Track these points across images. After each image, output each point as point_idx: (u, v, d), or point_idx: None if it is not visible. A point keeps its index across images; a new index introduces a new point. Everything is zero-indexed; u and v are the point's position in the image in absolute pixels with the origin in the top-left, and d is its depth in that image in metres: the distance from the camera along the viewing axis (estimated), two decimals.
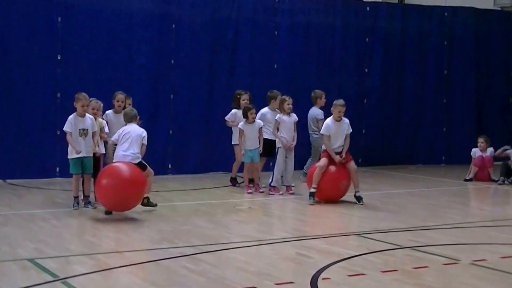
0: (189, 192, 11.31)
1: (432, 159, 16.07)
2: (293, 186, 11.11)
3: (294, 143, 10.95)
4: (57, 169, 12.27)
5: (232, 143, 11.61)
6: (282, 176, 11.02)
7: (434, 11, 16.41)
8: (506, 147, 13.21)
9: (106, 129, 9.80)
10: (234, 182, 11.77)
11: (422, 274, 5.99)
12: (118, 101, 10.22)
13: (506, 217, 9.67)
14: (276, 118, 10.96)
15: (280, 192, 10.86)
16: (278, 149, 10.96)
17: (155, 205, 9.21)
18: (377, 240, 7.53)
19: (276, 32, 14.42)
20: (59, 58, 12.34)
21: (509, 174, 12.82)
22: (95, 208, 9.11)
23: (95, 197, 9.00)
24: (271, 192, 10.86)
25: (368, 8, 15.52)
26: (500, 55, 16.86)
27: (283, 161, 10.89)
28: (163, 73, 13.24)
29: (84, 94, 9.20)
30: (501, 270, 6.21)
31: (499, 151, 13.12)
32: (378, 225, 8.45)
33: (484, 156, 13.07)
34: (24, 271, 5.95)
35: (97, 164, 9.53)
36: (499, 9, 17.75)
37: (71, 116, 9.13)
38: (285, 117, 10.93)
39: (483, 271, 6.19)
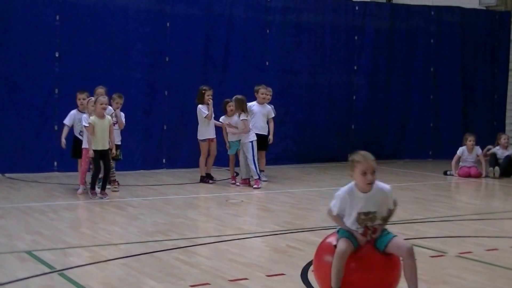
0: (183, 186, 11.41)
1: (420, 154, 16.20)
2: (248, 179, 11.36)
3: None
4: (55, 163, 12.39)
5: (200, 138, 11.67)
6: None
7: (421, 10, 16.54)
8: (489, 147, 13.37)
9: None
10: (210, 177, 11.74)
11: None
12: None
13: (491, 210, 9.76)
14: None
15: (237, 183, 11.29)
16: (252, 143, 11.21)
17: None
18: None
19: (267, 30, 14.55)
20: (57, 55, 12.47)
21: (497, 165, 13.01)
22: None
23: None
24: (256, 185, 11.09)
25: (357, 7, 15.64)
26: (485, 53, 17.01)
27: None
28: (158, 70, 13.35)
29: None
30: (486, 262, 6.29)
31: (484, 151, 13.24)
32: None
33: (469, 168, 12.97)
34: (22, 263, 6.02)
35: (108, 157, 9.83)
36: (484, 8, 17.92)
37: None
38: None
39: (469, 263, 6.25)
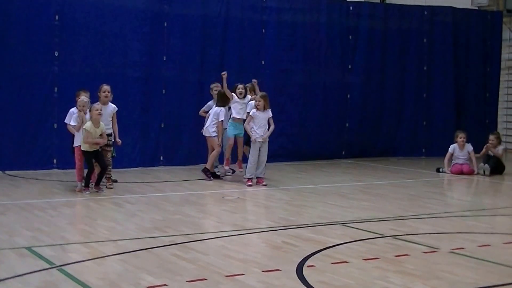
0: (180, 183, 11.48)
1: (413, 151, 16.31)
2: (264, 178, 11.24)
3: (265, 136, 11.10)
4: (54, 160, 12.46)
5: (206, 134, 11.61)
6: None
7: (414, 10, 16.67)
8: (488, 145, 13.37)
9: None
10: (214, 176, 11.76)
11: (403, 262, 6.10)
12: (104, 92, 10.44)
13: (483, 207, 9.77)
14: (250, 113, 11.16)
15: (250, 183, 11.01)
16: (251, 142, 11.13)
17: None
18: (360, 229, 7.61)
19: (263, 30, 14.65)
20: (56, 54, 12.54)
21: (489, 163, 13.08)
22: None
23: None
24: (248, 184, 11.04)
25: (351, 8, 15.77)
26: (477, 52, 17.12)
27: (257, 153, 11.03)
28: (155, 69, 13.42)
29: None
30: (478, 258, 6.35)
31: (483, 152, 13.27)
32: (361, 215, 8.54)
33: (462, 165, 13.07)
34: (22, 259, 6.08)
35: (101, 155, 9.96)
36: (477, 8, 18.09)
37: None
38: (258, 113, 11.05)
39: (461, 259, 6.31)
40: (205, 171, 11.63)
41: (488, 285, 5.50)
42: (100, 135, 9.86)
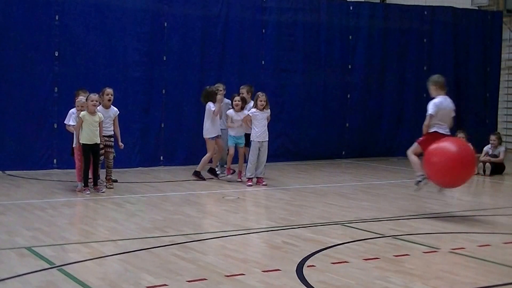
0: (180, 183, 11.49)
1: None
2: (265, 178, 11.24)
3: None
4: (54, 160, 12.49)
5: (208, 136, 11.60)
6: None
7: (415, 10, 16.72)
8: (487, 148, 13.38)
9: None
10: (214, 174, 11.83)
11: (403, 262, 6.12)
12: (107, 95, 10.49)
13: (483, 207, 9.78)
14: (249, 112, 11.14)
15: (250, 183, 11.03)
16: (251, 142, 11.10)
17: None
18: (360, 229, 7.62)
19: (263, 30, 14.67)
20: (56, 54, 12.56)
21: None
22: None
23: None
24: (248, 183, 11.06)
25: (351, 7, 15.79)
26: (477, 52, 17.19)
27: (256, 153, 11.02)
28: (156, 69, 13.45)
29: None
30: (478, 257, 6.37)
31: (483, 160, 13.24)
32: (360, 215, 8.56)
33: None
34: (22, 259, 6.09)
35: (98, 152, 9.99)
36: (477, 8, 18.12)
37: None
38: (258, 112, 11.02)
39: (461, 259, 6.32)
40: (196, 174, 11.63)
41: (488, 285, 5.52)
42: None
